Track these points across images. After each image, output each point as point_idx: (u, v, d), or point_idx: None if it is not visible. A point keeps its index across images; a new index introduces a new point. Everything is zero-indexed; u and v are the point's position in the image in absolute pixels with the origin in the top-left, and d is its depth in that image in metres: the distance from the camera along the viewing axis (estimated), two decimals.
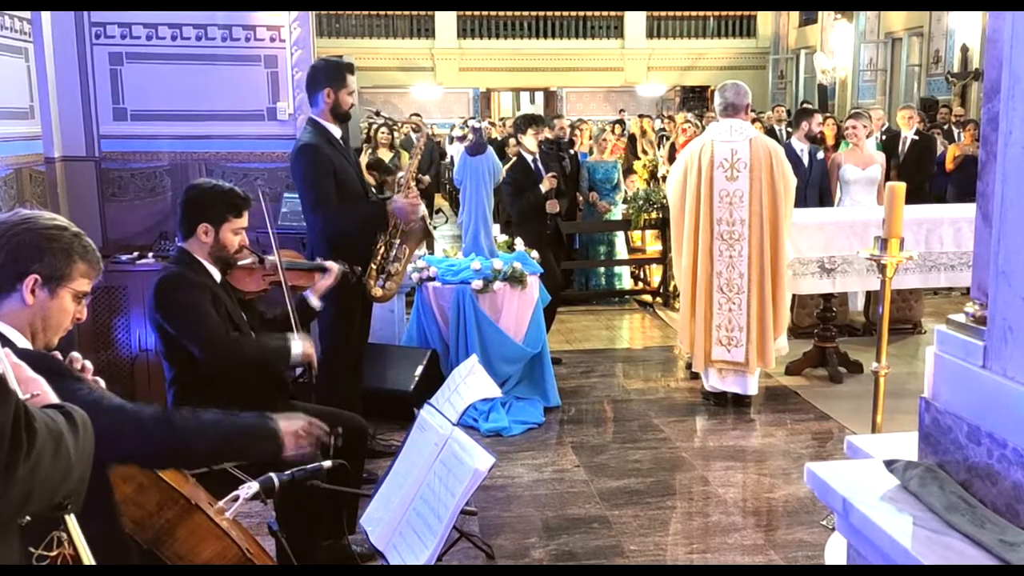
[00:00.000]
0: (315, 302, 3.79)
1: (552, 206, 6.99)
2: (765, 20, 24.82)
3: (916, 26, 17.89)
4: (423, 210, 4.53)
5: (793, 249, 5.90)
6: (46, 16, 5.63)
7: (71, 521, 1.63)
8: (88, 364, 2.26)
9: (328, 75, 4.43)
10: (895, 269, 3.63)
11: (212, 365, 3.25)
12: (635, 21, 24.64)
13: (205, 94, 5.93)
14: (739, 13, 24.80)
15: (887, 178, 7.46)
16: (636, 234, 9.50)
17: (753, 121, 7.69)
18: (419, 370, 5.57)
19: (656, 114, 20.91)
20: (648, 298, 9.21)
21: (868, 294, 7.33)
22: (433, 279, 5.82)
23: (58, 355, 2.19)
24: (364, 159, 9.54)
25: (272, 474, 2.52)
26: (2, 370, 1.54)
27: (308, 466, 2.61)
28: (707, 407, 5.92)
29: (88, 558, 1.68)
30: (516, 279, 5.80)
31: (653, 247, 9.37)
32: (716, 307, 5.72)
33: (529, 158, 6.94)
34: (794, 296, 6.37)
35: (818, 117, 7.80)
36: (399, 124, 9.42)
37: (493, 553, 3.97)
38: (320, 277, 3.85)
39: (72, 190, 5.83)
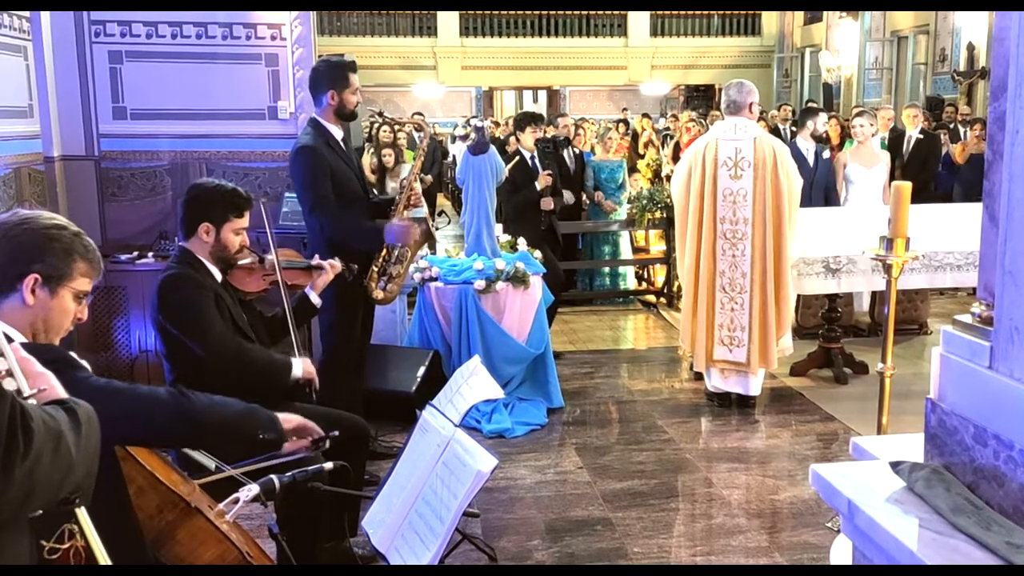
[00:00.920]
0: (315, 299, 3.81)
1: (547, 203, 7.10)
2: (770, 18, 24.75)
3: (922, 24, 17.83)
4: (417, 230, 4.50)
5: (798, 249, 5.86)
6: (45, 14, 5.63)
7: (81, 514, 1.64)
8: (85, 365, 2.27)
9: (331, 76, 4.41)
10: (901, 269, 3.61)
11: (215, 367, 3.24)
12: (639, 19, 24.58)
13: (205, 93, 5.92)
14: (743, 11, 24.73)
15: (892, 177, 7.42)
16: (640, 234, 9.46)
17: (757, 120, 7.65)
18: (421, 371, 5.56)
19: (660, 113, 20.87)
20: (652, 298, 9.17)
21: (873, 294, 7.29)
22: (435, 279, 5.80)
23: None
24: (367, 159, 9.52)
25: (273, 476, 2.51)
26: (8, 364, 1.58)
27: (309, 468, 2.60)
28: (711, 408, 5.89)
29: (100, 550, 1.70)
30: (519, 279, 5.78)
31: (657, 247, 9.34)
32: (718, 306, 5.69)
33: (527, 155, 7.05)
34: (799, 296, 6.34)
35: (823, 116, 7.76)
36: (403, 124, 9.38)
37: (495, 555, 3.95)
38: (318, 275, 3.86)
39: (71, 190, 5.83)
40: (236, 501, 2.41)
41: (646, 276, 9.82)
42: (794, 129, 10.04)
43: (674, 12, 24.66)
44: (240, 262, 3.49)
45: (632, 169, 10.59)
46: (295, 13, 5.90)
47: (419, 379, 5.51)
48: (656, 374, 6.80)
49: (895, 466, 2.12)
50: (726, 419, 5.72)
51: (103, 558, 1.71)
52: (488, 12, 24.20)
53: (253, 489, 2.45)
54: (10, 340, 1.80)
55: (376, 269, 4.45)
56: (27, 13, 5.40)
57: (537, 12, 24.26)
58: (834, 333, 6.52)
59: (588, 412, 5.93)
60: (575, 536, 4.15)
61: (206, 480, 2.63)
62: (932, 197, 8.46)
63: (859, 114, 7.97)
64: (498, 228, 6.29)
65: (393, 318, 6.15)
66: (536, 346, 5.85)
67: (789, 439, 5.40)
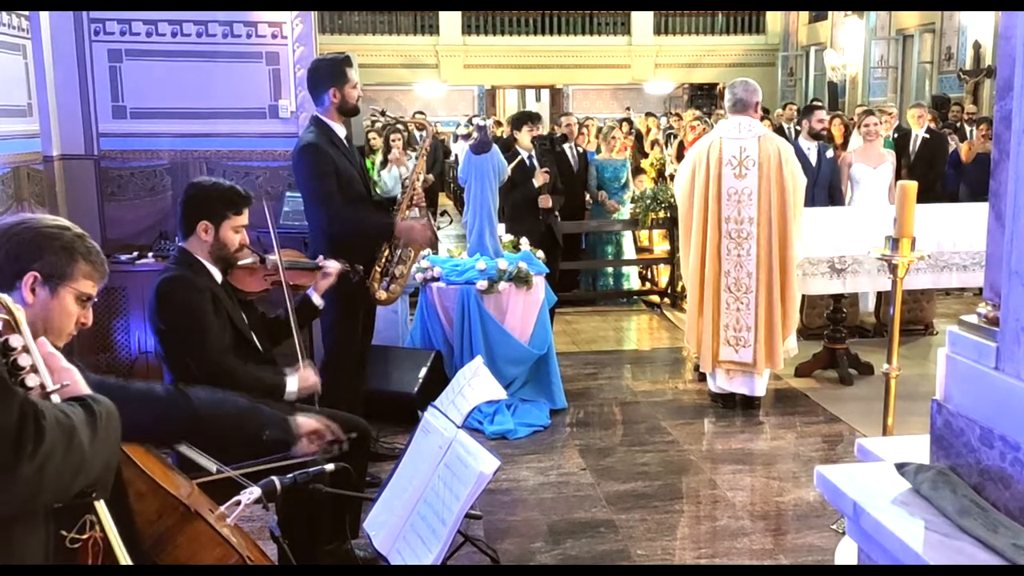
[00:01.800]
0: (317, 300, 3.79)
1: (545, 201, 7.13)
2: (774, 16, 24.67)
3: (928, 23, 17.78)
4: (426, 230, 4.48)
5: (803, 249, 5.84)
6: (44, 13, 5.61)
7: (100, 507, 1.69)
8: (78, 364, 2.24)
9: (330, 74, 4.40)
10: (906, 269, 3.59)
11: (203, 381, 3.20)
12: (642, 18, 24.51)
13: (206, 91, 5.90)
14: (747, 11, 24.67)
15: (898, 177, 7.38)
16: (644, 234, 9.43)
17: (761, 119, 7.61)
18: (423, 372, 5.54)
19: (663, 112, 20.81)
20: (656, 299, 9.15)
21: (879, 295, 7.27)
22: (437, 279, 5.78)
23: None
24: (377, 159, 9.50)
25: (274, 478, 2.49)
26: (33, 361, 1.64)
27: (310, 469, 2.60)
28: (715, 409, 5.86)
29: (117, 541, 1.75)
30: (521, 279, 5.76)
31: (661, 247, 9.31)
32: (724, 307, 5.67)
33: (524, 154, 7.10)
34: (804, 297, 6.32)
35: (819, 113, 7.72)
36: (406, 124, 9.37)
37: (498, 558, 3.91)
38: (321, 276, 3.84)
39: (71, 189, 5.81)
40: (238, 504, 2.38)
41: (650, 276, 9.79)
42: (798, 128, 9.98)
43: (678, 11, 24.59)
44: (241, 262, 3.47)
45: (637, 169, 10.55)
46: (296, 11, 5.88)
47: (421, 380, 5.49)
48: (660, 375, 6.78)
49: (900, 468, 2.11)
50: (730, 420, 5.70)
51: (120, 549, 1.76)
52: (491, 12, 24.13)
53: (255, 491, 2.43)
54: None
55: (379, 269, 4.44)
56: (26, 11, 5.38)
57: (540, 11, 24.20)
58: (839, 334, 6.49)
59: (591, 413, 5.90)
60: (578, 538, 4.13)
61: (206, 481, 2.60)
62: (938, 197, 8.40)
63: (869, 112, 7.91)
64: (501, 228, 6.27)
65: (395, 318, 6.13)
66: (539, 347, 5.83)
67: (794, 440, 5.38)
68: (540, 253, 6.26)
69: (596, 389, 6.37)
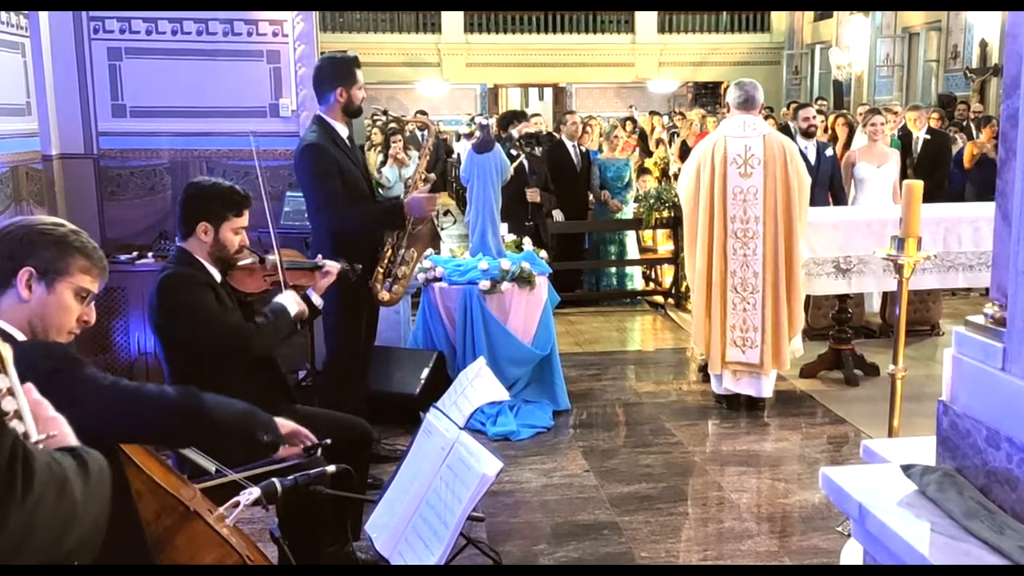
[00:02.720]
0: (317, 300, 3.76)
1: (533, 195, 7.23)
2: (779, 15, 24.61)
3: (934, 21, 17.72)
4: (436, 201, 4.48)
5: (808, 249, 5.83)
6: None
7: None
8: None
9: (337, 73, 4.39)
10: (912, 269, 3.57)
11: (218, 360, 3.19)
12: (646, 16, 24.45)
13: (206, 90, 5.87)
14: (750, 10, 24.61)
15: (903, 176, 7.34)
16: (647, 233, 9.38)
17: (766, 118, 7.58)
18: (425, 373, 5.52)
19: (668, 111, 20.77)
20: (660, 299, 9.11)
21: (884, 295, 7.24)
22: (439, 280, 5.76)
23: None
24: (372, 157, 9.48)
25: (274, 479, 2.49)
26: (18, 406, 1.47)
27: (311, 471, 2.59)
28: (720, 411, 5.83)
29: None
30: (524, 279, 5.73)
31: (665, 247, 9.27)
32: (730, 307, 5.64)
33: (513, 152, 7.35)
34: (809, 297, 6.29)
35: (804, 112, 7.69)
36: (407, 124, 9.34)
37: (501, 560, 3.89)
38: (321, 276, 3.81)
39: (70, 189, 5.79)
40: (237, 505, 2.38)
41: (653, 276, 9.76)
42: None
43: (682, 10, 24.53)
44: (240, 262, 3.45)
45: (642, 168, 10.52)
46: (297, 11, 5.86)
47: (423, 381, 5.47)
48: (664, 376, 6.74)
49: (906, 469, 2.11)
50: (735, 422, 5.67)
51: None
52: (493, 12, 24.08)
53: (254, 492, 2.42)
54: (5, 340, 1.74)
55: (381, 270, 4.43)
56: (25, 11, 5.36)
57: (543, 11, 24.14)
58: (845, 334, 6.46)
59: (595, 415, 5.88)
60: (582, 540, 4.11)
61: (206, 484, 2.60)
62: (944, 196, 8.36)
63: (874, 111, 7.87)
64: (504, 227, 6.24)
65: (397, 319, 6.12)
66: (542, 347, 5.80)
67: (799, 442, 5.35)
68: (543, 253, 6.23)
69: (599, 390, 6.34)
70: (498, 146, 6.15)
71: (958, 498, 1.93)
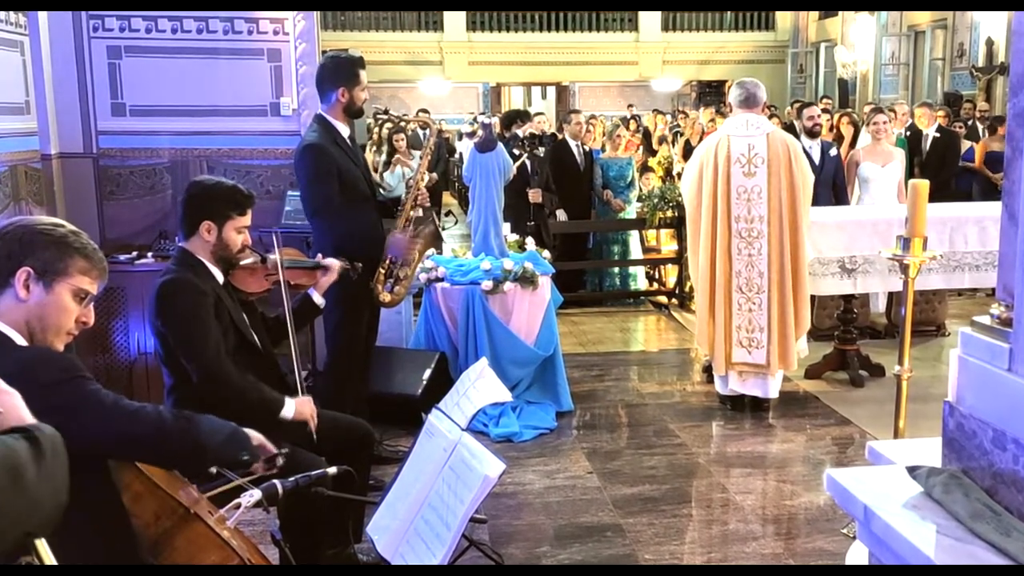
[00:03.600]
0: (318, 299, 3.76)
1: (535, 195, 7.24)
2: (784, 13, 24.54)
3: (940, 19, 17.67)
4: (419, 244, 4.46)
5: (813, 249, 5.81)
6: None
7: (41, 545, 1.54)
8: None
9: (341, 73, 4.37)
10: (918, 269, 3.56)
11: (204, 388, 3.19)
12: (650, 14, 24.36)
13: (206, 89, 5.85)
14: (752, 10, 24.54)
15: (911, 175, 7.30)
16: (651, 233, 9.35)
17: (770, 117, 7.54)
18: (427, 373, 5.50)
19: (671, 109, 20.72)
20: (663, 299, 9.09)
21: (890, 295, 7.21)
22: (442, 280, 5.74)
23: None
24: (370, 156, 9.45)
25: (276, 481, 2.48)
26: None
27: (312, 473, 2.59)
28: (724, 412, 5.81)
29: None
30: (527, 279, 5.71)
31: (668, 247, 9.25)
32: (736, 307, 5.61)
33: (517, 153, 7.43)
34: (813, 297, 6.25)
35: (808, 111, 7.69)
36: (408, 123, 9.32)
37: (503, 562, 3.88)
38: (322, 275, 3.80)
39: (69, 188, 5.76)
40: (238, 506, 2.37)
41: (657, 276, 9.74)
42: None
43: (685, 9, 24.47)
44: (242, 262, 3.43)
45: (646, 167, 10.49)
46: (297, 11, 5.84)
47: (425, 382, 5.45)
48: (668, 377, 6.72)
49: (912, 471, 2.11)
50: (739, 423, 5.65)
51: None
52: (496, 10, 24.02)
53: (255, 494, 2.41)
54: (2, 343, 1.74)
55: (383, 271, 4.41)
56: (24, 11, 5.35)
57: (546, 10, 24.07)
58: (850, 335, 6.43)
59: (598, 416, 5.86)
60: (585, 542, 4.10)
61: (206, 486, 2.59)
62: (951, 195, 8.32)
63: (878, 110, 7.83)
64: (506, 227, 6.22)
65: (399, 319, 6.10)
66: (545, 348, 5.78)
67: (804, 443, 5.33)
68: (546, 253, 6.20)
69: (603, 391, 6.32)
70: (500, 145, 6.14)
71: (964, 500, 1.93)
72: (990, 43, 15.70)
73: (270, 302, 3.66)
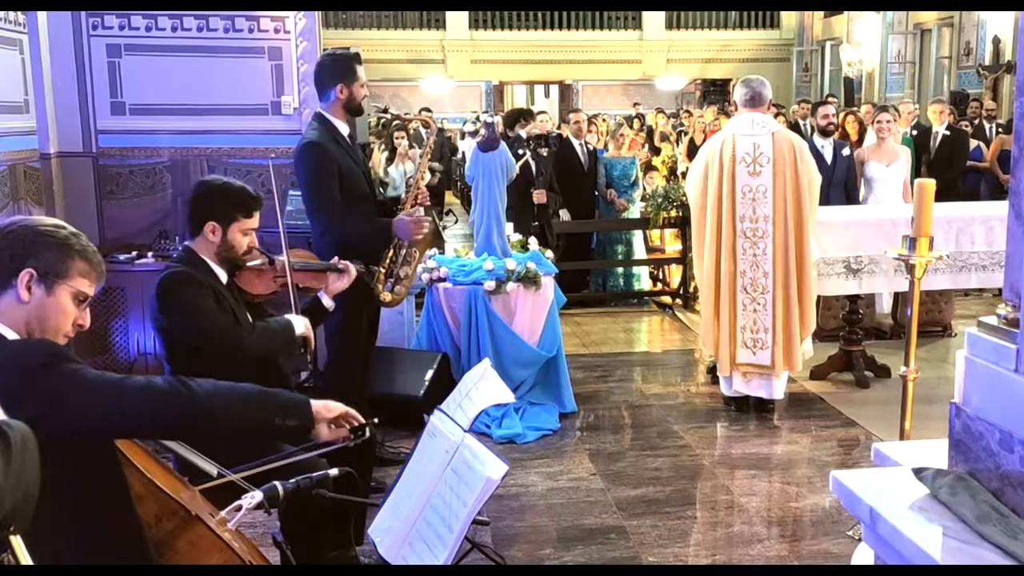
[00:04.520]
0: (328, 302, 3.72)
1: (539, 196, 7.26)
2: (789, 11, 24.47)
3: (946, 17, 17.61)
4: (427, 224, 4.39)
5: (818, 249, 5.78)
6: None
7: (16, 542, 1.53)
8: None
9: (339, 70, 4.35)
10: (924, 269, 3.53)
11: (218, 360, 3.13)
12: (654, 12, 24.32)
13: (207, 87, 5.84)
14: (756, 10, 24.48)
15: (918, 174, 7.27)
16: (655, 233, 9.33)
17: (775, 116, 7.51)
18: (429, 374, 5.48)
19: (676, 108, 20.69)
20: (667, 299, 9.08)
21: (896, 295, 7.19)
22: (444, 280, 5.73)
23: None
24: (377, 156, 9.43)
25: (276, 482, 2.45)
26: None
27: (314, 474, 2.57)
28: (728, 413, 5.79)
29: None
30: (530, 280, 5.69)
31: (672, 246, 9.22)
32: (740, 308, 5.59)
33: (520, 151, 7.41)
34: (819, 297, 6.23)
35: (823, 109, 7.65)
36: (409, 121, 9.32)
37: (506, 564, 3.86)
38: (336, 278, 3.75)
39: (68, 187, 5.76)
40: (239, 508, 2.35)
41: (661, 276, 9.72)
42: (814, 124, 9.87)
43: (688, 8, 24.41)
44: (249, 263, 3.41)
45: (649, 166, 10.46)
46: (298, 11, 5.83)
47: (427, 383, 5.43)
48: (672, 377, 6.72)
49: (918, 473, 2.11)
50: (744, 424, 5.63)
51: None
52: (499, 9, 23.97)
53: (256, 496, 2.39)
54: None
55: (383, 271, 4.38)
56: (23, 11, 5.34)
57: (549, 9, 24.03)
58: (855, 335, 6.41)
59: (601, 417, 5.84)
60: (588, 544, 4.09)
61: (207, 486, 2.59)
62: (959, 195, 8.28)
63: (883, 109, 7.79)
64: (509, 227, 6.20)
65: (401, 320, 6.07)
66: (548, 349, 5.76)
67: (809, 445, 5.32)
68: (549, 253, 6.19)
69: (606, 392, 6.30)
70: (503, 144, 6.11)
71: (971, 502, 1.92)
72: (997, 41, 15.64)
73: (278, 304, 3.63)
